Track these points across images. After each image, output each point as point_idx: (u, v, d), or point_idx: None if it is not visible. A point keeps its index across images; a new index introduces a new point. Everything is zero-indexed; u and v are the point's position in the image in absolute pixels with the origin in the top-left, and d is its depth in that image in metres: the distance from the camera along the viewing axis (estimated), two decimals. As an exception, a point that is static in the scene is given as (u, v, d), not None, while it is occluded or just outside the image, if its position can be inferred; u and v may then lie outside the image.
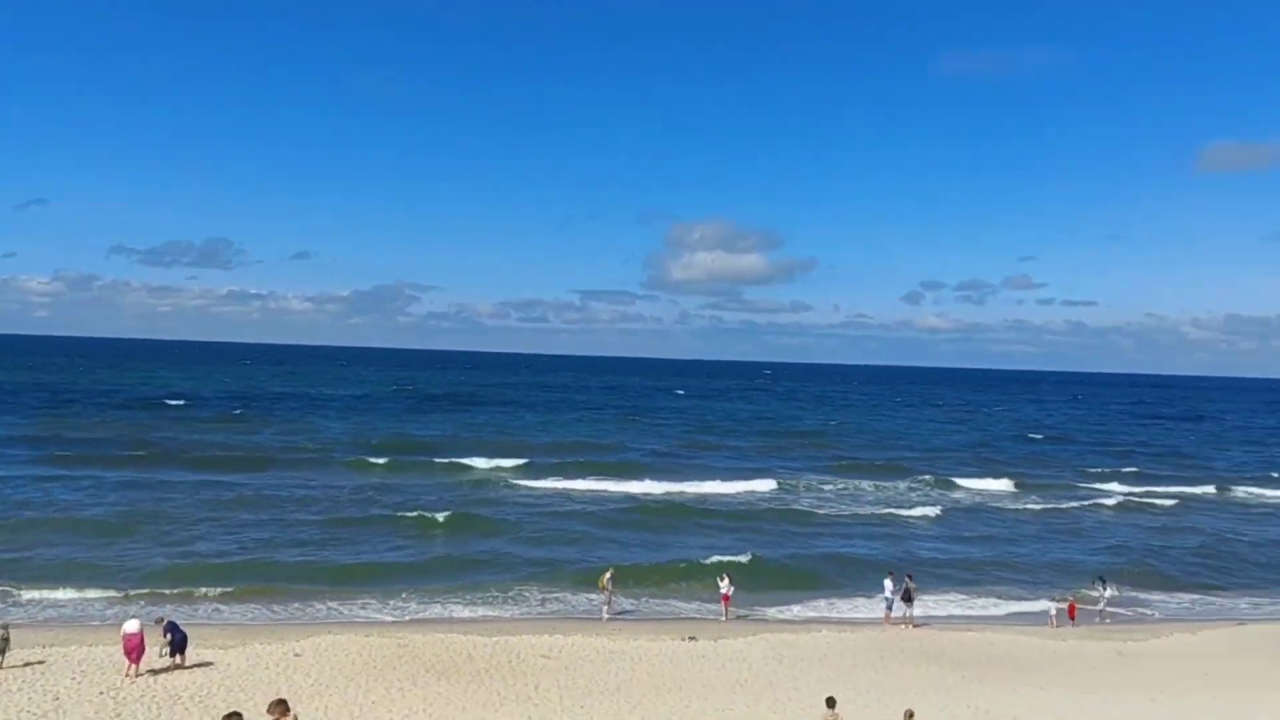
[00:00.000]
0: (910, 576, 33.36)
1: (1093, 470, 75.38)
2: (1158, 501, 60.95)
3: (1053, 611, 33.09)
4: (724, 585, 32.92)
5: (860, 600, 35.63)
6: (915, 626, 31.61)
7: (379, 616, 31.04)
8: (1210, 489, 67.65)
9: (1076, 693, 24.50)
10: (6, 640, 22.75)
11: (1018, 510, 57.27)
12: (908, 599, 32.18)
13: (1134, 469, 76.96)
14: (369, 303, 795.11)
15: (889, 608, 32.33)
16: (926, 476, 68.05)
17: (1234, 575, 42.29)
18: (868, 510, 55.02)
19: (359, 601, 32.56)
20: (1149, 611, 36.20)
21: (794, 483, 63.57)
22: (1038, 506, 58.39)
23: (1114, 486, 66.54)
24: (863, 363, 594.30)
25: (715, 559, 38.78)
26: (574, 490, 57.96)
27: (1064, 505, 58.97)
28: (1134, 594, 38.07)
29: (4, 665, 22.49)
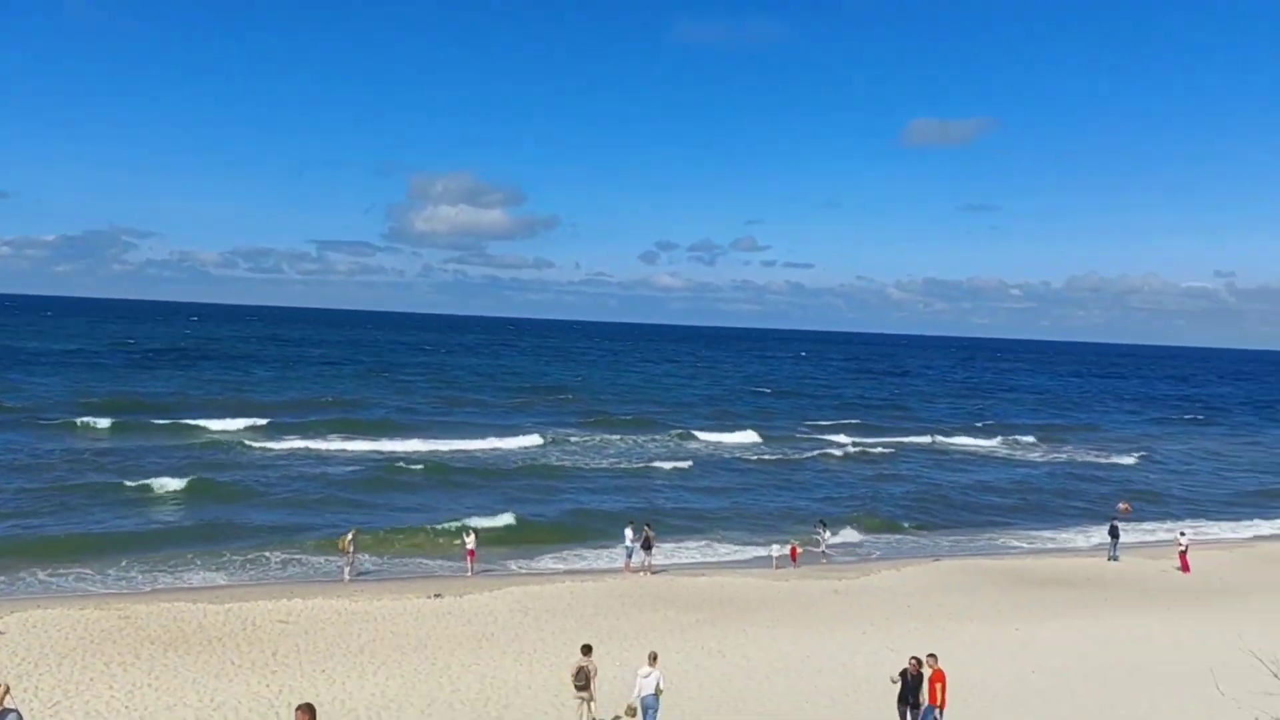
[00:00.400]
0: (649, 525, 34.53)
1: (820, 423, 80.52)
2: (876, 450, 66.14)
3: (775, 554, 35.28)
4: (469, 541, 32.80)
5: (603, 551, 36.55)
6: (654, 573, 32.78)
7: (96, 589, 28.65)
8: (921, 439, 74.00)
9: (797, 629, 26.29)
10: None
11: (756, 461, 60.51)
12: (647, 547, 33.32)
13: (856, 420, 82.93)
14: (78, 249, 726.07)
15: (629, 556, 33.38)
16: (675, 431, 70.39)
17: (937, 516, 46.51)
18: (617, 464, 56.38)
19: (73, 573, 29.93)
20: (866, 551, 39.30)
21: (545, 438, 63.88)
22: (772, 457, 61.99)
23: (839, 437, 71.22)
24: (603, 319, 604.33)
25: (464, 518, 38.51)
26: (318, 451, 55.38)
27: (795, 456, 62.92)
28: (852, 536, 41.27)
29: None
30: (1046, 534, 43.93)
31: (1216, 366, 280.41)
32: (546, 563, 35.01)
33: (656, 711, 18.16)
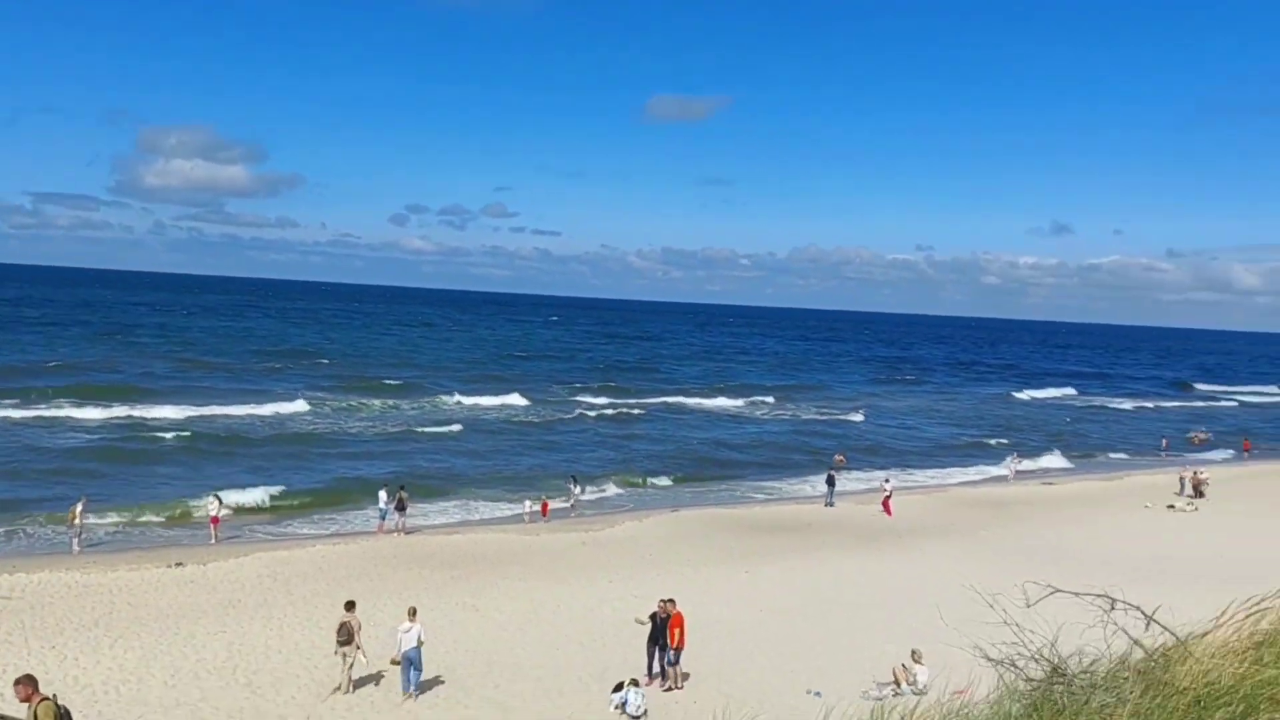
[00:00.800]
0: (403, 487, 34.26)
1: (577, 385, 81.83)
2: (630, 410, 68.22)
3: (526, 510, 35.98)
4: (213, 507, 31.35)
5: (357, 514, 35.92)
6: (408, 534, 32.63)
7: None
8: (670, 399, 76.71)
9: (549, 581, 27.08)
10: None
11: (519, 423, 60.99)
12: (401, 508, 33.09)
13: (611, 383, 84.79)
14: None
15: (383, 518, 33.05)
16: (438, 394, 69.41)
17: (682, 471, 48.53)
18: (377, 428, 55.20)
19: None
20: (615, 505, 40.65)
21: (301, 403, 61.09)
22: (534, 419, 62.70)
23: (596, 399, 72.71)
24: (350, 281, 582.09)
25: (212, 486, 36.50)
26: (46, 418, 50.29)
27: (555, 416, 63.93)
28: (604, 490, 42.65)
29: None
30: (777, 484, 47.08)
31: (919, 331, 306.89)
32: (297, 527, 34.01)
33: (419, 665, 18.41)
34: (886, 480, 41.81)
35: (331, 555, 29.28)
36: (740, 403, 77.89)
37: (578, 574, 28.05)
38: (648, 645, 19.49)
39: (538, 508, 36.29)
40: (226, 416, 54.87)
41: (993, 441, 63.03)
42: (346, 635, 18.37)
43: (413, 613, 19.02)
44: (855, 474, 49.08)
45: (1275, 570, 29.60)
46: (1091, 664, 5.48)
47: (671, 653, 18.96)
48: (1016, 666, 5.36)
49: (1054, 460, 57.34)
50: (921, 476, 51.22)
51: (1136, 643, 5.79)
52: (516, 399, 69.72)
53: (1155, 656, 5.42)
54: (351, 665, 18.42)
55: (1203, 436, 69.84)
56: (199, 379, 71.05)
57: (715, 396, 79.65)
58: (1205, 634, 5.09)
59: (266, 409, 57.82)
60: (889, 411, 79.20)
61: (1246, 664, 4.72)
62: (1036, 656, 5.36)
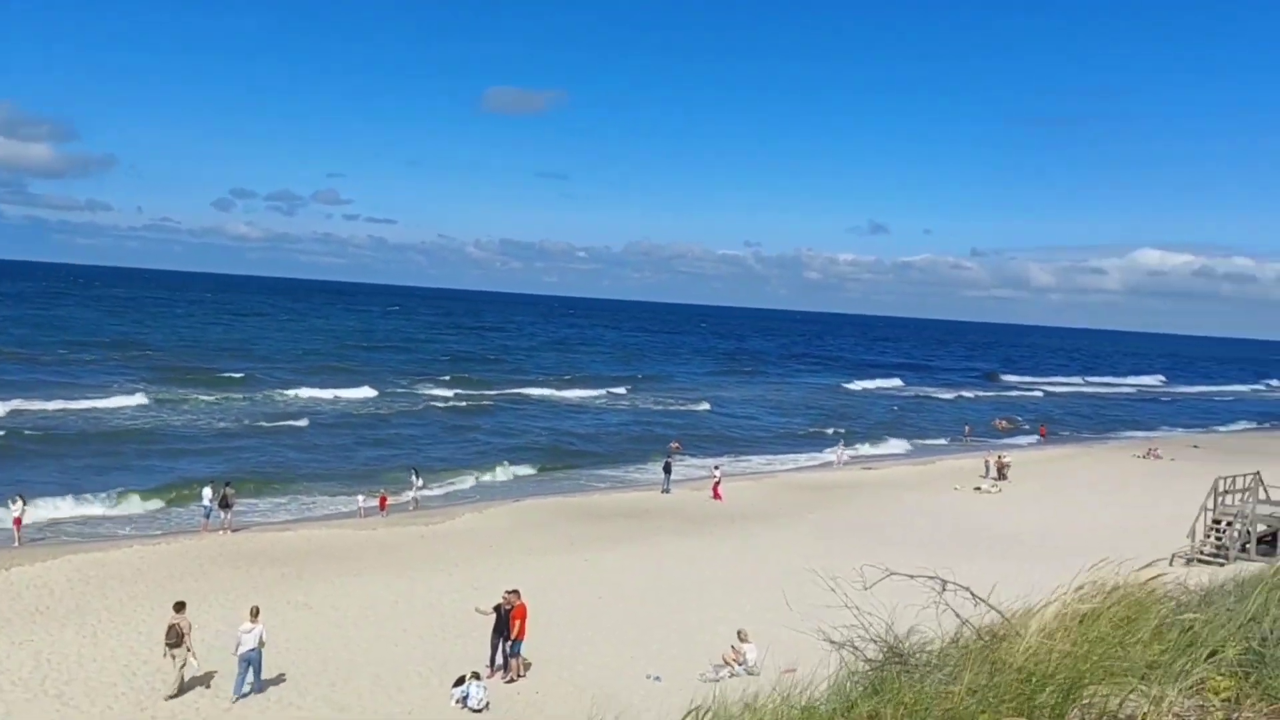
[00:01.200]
0: (229, 484, 32.48)
1: (424, 376, 79.69)
2: (481, 402, 67.01)
3: (361, 504, 34.78)
4: (16, 508, 28.85)
5: (179, 512, 33.89)
6: (234, 531, 30.96)
7: None
8: (522, 390, 75.81)
9: (388, 576, 26.21)
10: None
11: (367, 415, 59.06)
12: (225, 505, 31.37)
13: (460, 374, 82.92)
14: None
15: (207, 516, 31.26)
16: (281, 388, 66.20)
17: (532, 460, 47.92)
18: (215, 425, 52.26)
19: None
20: (458, 497, 39.66)
21: (129, 398, 56.85)
22: (383, 411, 60.79)
23: (444, 391, 71.07)
24: (168, 268, 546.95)
25: (18, 487, 33.52)
26: None
27: (404, 408, 62.32)
28: (450, 483, 41.73)
29: None
30: (618, 473, 47.28)
31: (749, 323, 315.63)
32: (113, 528, 31.72)
33: (259, 667, 17.72)
34: (716, 467, 42.57)
35: (151, 556, 27.45)
36: (586, 393, 77.68)
37: (416, 567, 27.28)
38: (491, 637, 19.09)
39: (374, 502, 35.11)
40: (40, 412, 50.75)
41: (824, 430, 65.27)
42: (175, 637, 17.53)
43: (255, 613, 18.24)
44: (692, 461, 49.82)
45: (1069, 543, 31.91)
46: (926, 645, 5.56)
47: (513, 643, 18.63)
48: (856, 648, 5.39)
49: (882, 447, 59.92)
50: (756, 463, 52.46)
51: (966, 622, 5.92)
52: (361, 391, 67.10)
53: (984, 635, 5.55)
54: (183, 667, 17.50)
55: (1007, 424, 74.41)
56: (7, 372, 65.39)
57: (562, 388, 79.24)
58: (1036, 610, 5.22)
59: (83, 403, 53.74)
60: (727, 401, 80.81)
61: (1071, 641, 4.83)
62: (876, 639, 5.41)
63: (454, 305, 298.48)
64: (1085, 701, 4.39)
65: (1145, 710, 4.19)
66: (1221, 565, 26.24)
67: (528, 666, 19.22)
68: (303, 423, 53.80)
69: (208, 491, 31.42)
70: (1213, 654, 4.45)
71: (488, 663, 19.05)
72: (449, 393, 70.58)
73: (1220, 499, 29.05)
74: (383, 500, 35.24)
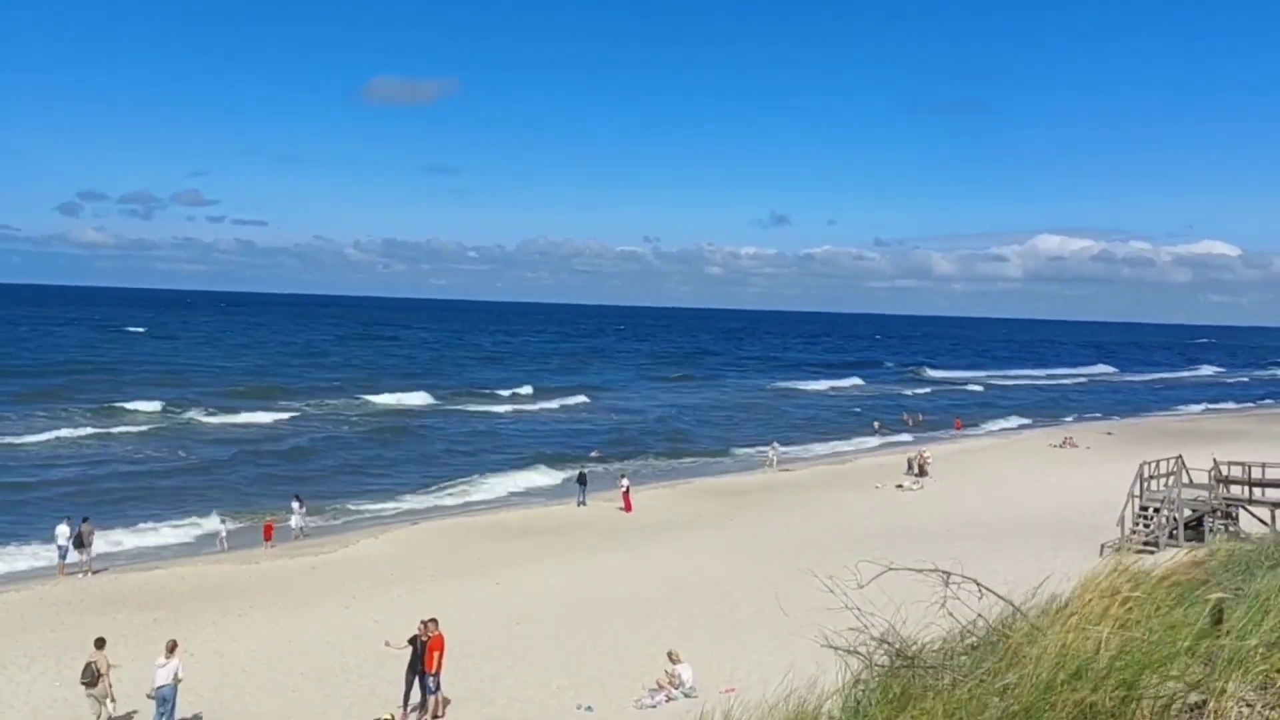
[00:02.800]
0: (86, 519, 30.72)
1: (310, 392, 77.76)
2: (375, 414, 66.46)
3: (221, 534, 33.34)
4: None
5: (25, 550, 31.88)
6: (94, 573, 29.29)
7: None
8: (411, 401, 74.28)
9: (277, 612, 25.13)
10: None
11: (259, 435, 57.39)
12: (82, 544, 29.64)
13: (341, 387, 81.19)
14: None
15: (62, 557, 29.47)
16: (145, 409, 63.19)
17: (430, 477, 46.82)
18: (66, 444, 50.35)
19: None
20: (350, 523, 38.26)
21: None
22: (276, 431, 59.29)
23: (333, 407, 70.05)
24: (7, 281, 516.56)
25: None
26: None
27: (296, 427, 60.88)
28: (336, 505, 40.42)
29: None
30: (529, 486, 46.56)
31: (656, 323, 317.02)
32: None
33: (174, 702, 17.70)
34: (623, 475, 42.33)
35: None
36: (491, 407, 76.26)
37: (310, 602, 26.22)
38: (406, 674, 18.37)
39: (227, 529, 33.76)
40: None
41: (736, 433, 65.84)
42: (91, 676, 17.54)
43: (171, 647, 18.12)
44: (607, 468, 49.59)
45: (1005, 536, 32.71)
46: (937, 643, 5.35)
47: (431, 679, 17.96)
48: (860, 653, 5.15)
49: (795, 448, 60.60)
50: (669, 468, 52.49)
51: (979, 616, 5.73)
52: (248, 413, 64.24)
53: (999, 631, 5.35)
54: (101, 709, 17.63)
55: (918, 418, 76.21)
56: None
57: (462, 401, 77.71)
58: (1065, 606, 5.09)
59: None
60: (640, 405, 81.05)
61: (1113, 630, 4.65)
62: (881, 640, 5.18)
63: (337, 312, 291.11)
64: (1146, 696, 4.20)
65: (1213, 703, 4.02)
66: (1152, 553, 27.25)
67: (447, 704, 18.57)
68: (169, 447, 51.61)
69: (62, 529, 29.60)
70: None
71: (401, 703, 18.34)
72: (341, 409, 69.66)
73: (1145, 485, 30.14)
74: (268, 529, 33.85)
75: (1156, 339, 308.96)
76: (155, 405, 63.98)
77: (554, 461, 51.53)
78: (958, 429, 71.05)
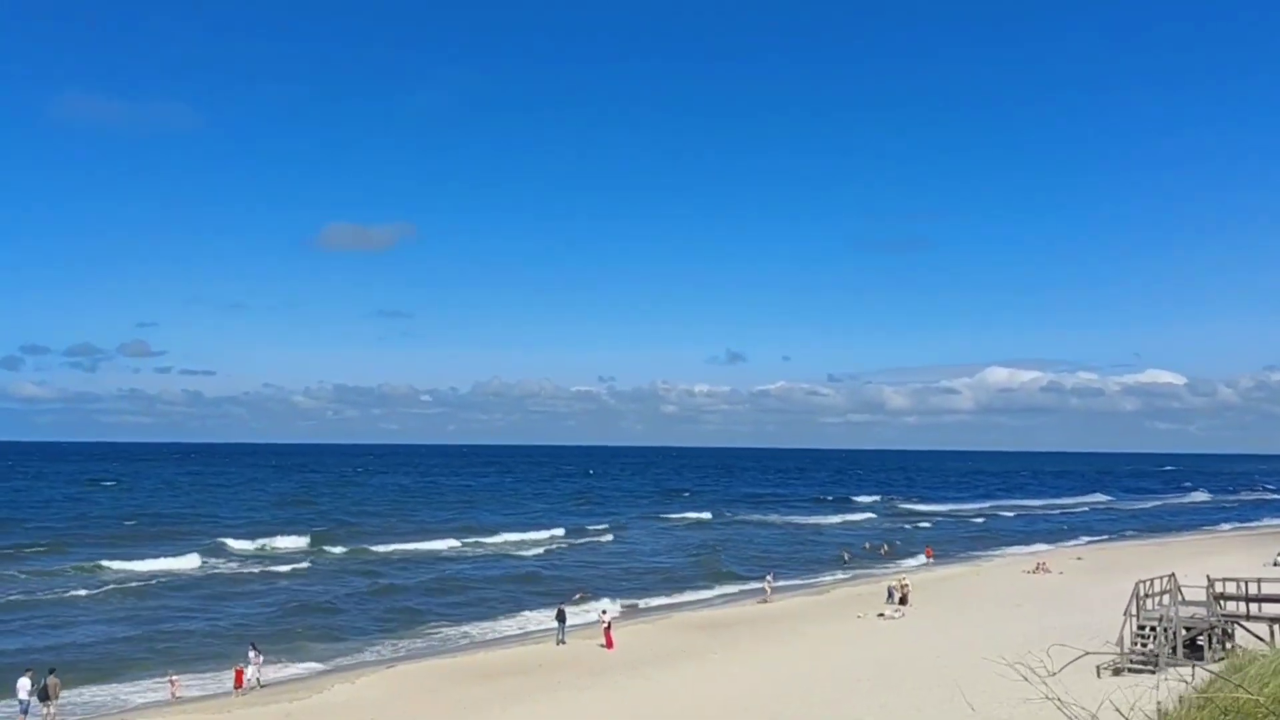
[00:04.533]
0: (52, 671, 29.38)
1: (263, 535, 75.88)
2: (331, 559, 65.16)
3: (172, 686, 31.86)
4: None
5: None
6: (58, 728, 27.85)
7: None
8: (375, 547, 72.66)
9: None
10: None
11: (202, 577, 56.26)
12: (45, 697, 28.25)
13: (301, 533, 78.82)
14: None
15: (24, 712, 28.01)
16: (90, 558, 61.32)
17: (399, 621, 45.45)
18: (26, 599, 48.23)
19: None
20: (324, 668, 36.81)
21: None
22: (225, 578, 57.69)
23: (290, 549, 69.76)
24: None
25: None
26: None
27: (249, 573, 59.21)
28: (306, 651, 39.03)
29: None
30: (494, 625, 45.38)
31: (610, 462, 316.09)
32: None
33: None
34: (604, 611, 41.45)
35: (-43, 765, 24.23)
36: (444, 544, 74.91)
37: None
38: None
39: (257, 670, 32.43)
40: None
41: (713, 567, 65.30)
42: None
43: None
44: (583, 608, 48.56)
45: (1007, 659, 32.22)
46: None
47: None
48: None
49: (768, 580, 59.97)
50: (648, 601, 51.65)
51: None
52: (188, 559, 62.46)
53: None
54: None
55: (887, 548, 76.02)
56: None
57: (416, 539, 76.34)
58: None
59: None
60: (605, 543, 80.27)
61: None
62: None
63: (297, 461, 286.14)
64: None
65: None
66: (1152, 673, 27.02)
67: None
68: (121, 598, 49.70)
69: (24, 682, 28.21)
70: None
71: None
72: (298, 551, 68.87)
73: (1141, 603, 30.07)
74: (239, 675, 32.51)
75: (1122, 467, 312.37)
76: (127, 563, 61.40)
77: (532, 601, 50.60)
78: (928, 557, 70.86)
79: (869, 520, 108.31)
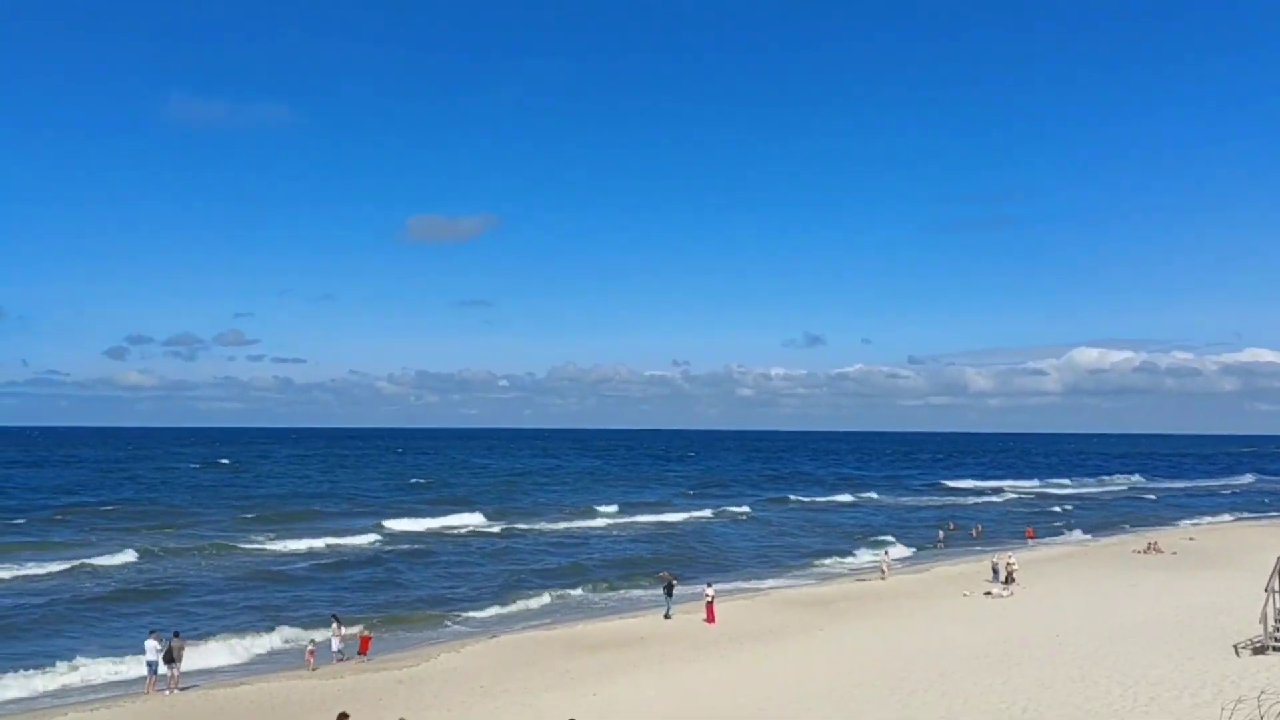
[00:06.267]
0: (177, 634, 30.02)
1: (377, 515, 77.92)
2: (458, 537, 65.50)
3: (309, 649, 32.23)
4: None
5: (109, 666, 31.06)
6: (182, 689, 28.36)
7: None
8: (491, 525, 74.20)
9: (376, 726, 24.02)
10: None
11: (323, 558, 56.78)
12: (171, 659, 28.82)
13: (414, 512, 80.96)
14: None
15: (152, 672, 28.59)
16: (211, 538, 62.98)
17: (511, 595, 45.60)
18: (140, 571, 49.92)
19: None
20: (427, 638, 37.01)
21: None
22: (347, 552, 59.25)
23: (408, 529, 71.02)
24: (54, 424, 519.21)
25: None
26: None
27: (367, 548, 60.81)
28: (416, 615, 39.69)
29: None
30: (603, 601, 45.44)
31: (687, 445, 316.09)
32: (24, 690, 28.65)
33: None
34: (709, 585, 41.01)
35: (90, 724, 24.80)
36: (577, 523, 76.52)
37: (400, 715, 25.03)
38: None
39: (340, 643, 32.69)
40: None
41: (807, 545, 64.72)
42: None
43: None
44: (685, 585, 48.49)
45: (1135, 638, 31.13)
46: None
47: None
48: None
49: (865, 558, 59.25)
50: (744, 582, 51.11)
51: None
52: (304, 541, 62.40)
53: None
54: None
55: (978, 529, 74.35)
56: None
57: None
58: None
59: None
60: (703, 522, 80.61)
61: None
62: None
63: (391, 442, 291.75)
64: None
65: None
66: (1296, 652, 25.69)
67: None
68: (248, 570, 51.43)
69: (151, 644, 28.76)
70: None
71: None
72: (417, 529, 70.86)
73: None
74: (364, 642, 32.90)
75: (1222, 450, 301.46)
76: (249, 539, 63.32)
77: (629, 577, 50.86)
78: (1029, 538, 69.03)
79: (952, 501, 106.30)
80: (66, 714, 25.73)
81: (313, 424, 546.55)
